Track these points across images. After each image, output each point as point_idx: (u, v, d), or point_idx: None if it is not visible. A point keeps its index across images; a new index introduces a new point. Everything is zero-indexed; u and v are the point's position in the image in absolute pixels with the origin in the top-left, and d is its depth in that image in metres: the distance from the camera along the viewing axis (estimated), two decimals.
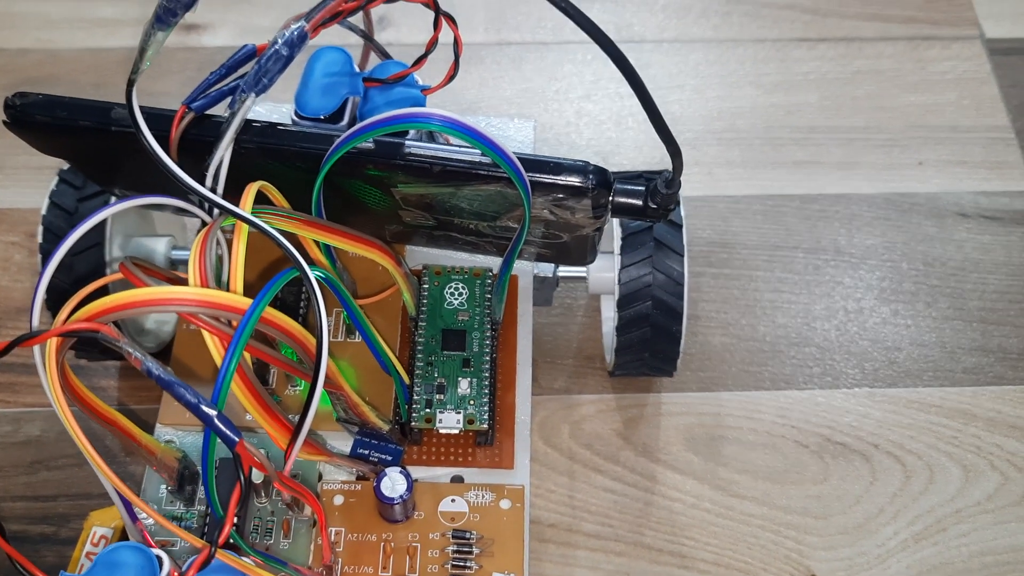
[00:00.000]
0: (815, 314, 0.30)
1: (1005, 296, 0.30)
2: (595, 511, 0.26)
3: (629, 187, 0.22)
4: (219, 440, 0.17)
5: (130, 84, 0.19)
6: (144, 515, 0.20)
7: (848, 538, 0.26)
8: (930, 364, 0.29)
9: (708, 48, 0.36)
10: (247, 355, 0.18)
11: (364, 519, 0.22)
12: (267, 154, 0.20)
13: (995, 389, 0.29)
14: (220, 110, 0.20)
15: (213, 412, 0.17)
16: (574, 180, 0.20)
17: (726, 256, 0.31)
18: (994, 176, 0.33)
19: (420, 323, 0.24)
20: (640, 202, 0.22)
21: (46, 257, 0.25)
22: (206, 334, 0.18)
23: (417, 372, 0.24)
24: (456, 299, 0.25)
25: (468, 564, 0.21)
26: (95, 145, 0.20)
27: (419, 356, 0.24)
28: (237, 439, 0.17)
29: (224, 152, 0.20)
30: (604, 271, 0.27)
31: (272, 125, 0.21)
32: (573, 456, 0.27)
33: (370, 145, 0.20)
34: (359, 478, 0.23)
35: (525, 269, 0.27)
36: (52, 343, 0.17)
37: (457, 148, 0.20)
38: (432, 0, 0.20)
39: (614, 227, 0.26)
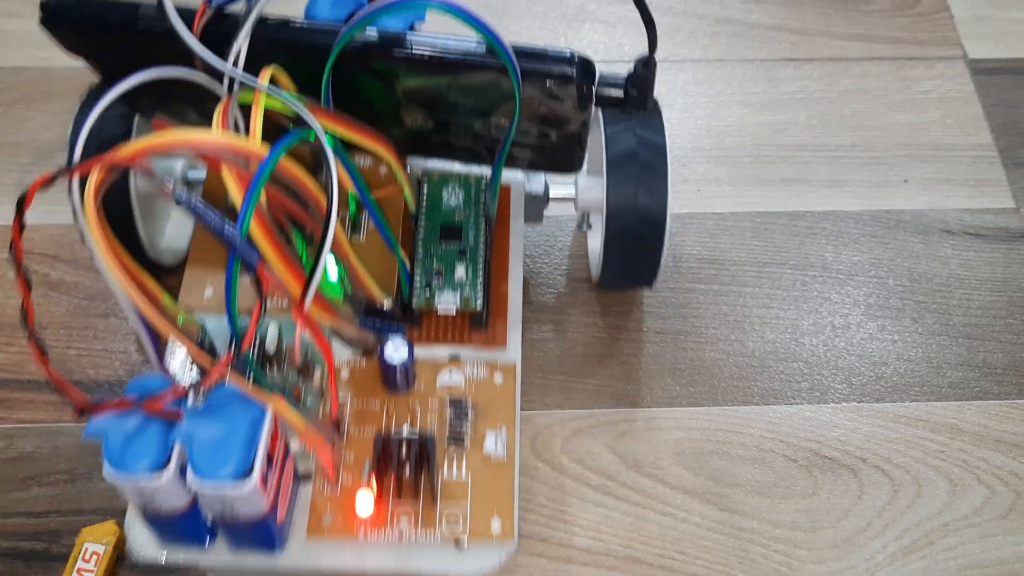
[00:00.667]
0: (803, 330, 0.30)
1: (989, 312, 0.31)
2: (586, 525, 0.26)
3: (611, 77, 0.24)
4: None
5: None
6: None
7: (837, 551, 0.26)
8: (917, 379, 0.29)
9: (697, 68, 0.37)
10: (263, 201, 0.19)
11: (368, 389, 0.24)
12: (280, 47, 0.22)
13: (981, 404, 0.29)
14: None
15: (236, 234, 0.18)
16: (561, 68, 0.22)
17: (715, 272, 0.31)
18: (978, 193, 0.33)
19: (420, 219, 0.26)
20: (621, 91, 0.24)
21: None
22: (228, 177, 0.19)
23: (417, 261, 0.26)
24: (453, 200, 0.27)
25: (464, 428, 0.24)
26: (121, 44, 0.21)
27: (419, 248, 0.26)
28: (258, 260, 0.19)
29: (243, 41, 0.21)
30: (593, 189, 0.28)
31: (286, 21, 0.22)
32: (563, 471, 0.27)
33: (375, 37, 0.22)
34: (364, 353, 0.24)
35: (517, 181, 0.28)
36: (93, 179, 0.18)
37: (454, 38, 0.22)
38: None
39: (603, 148, 0.27)
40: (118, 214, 0.27)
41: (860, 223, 0.33)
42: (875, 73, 0.36)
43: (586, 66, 0.22)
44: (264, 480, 0.20)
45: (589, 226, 0.30)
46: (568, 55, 0.22)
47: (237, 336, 0.20)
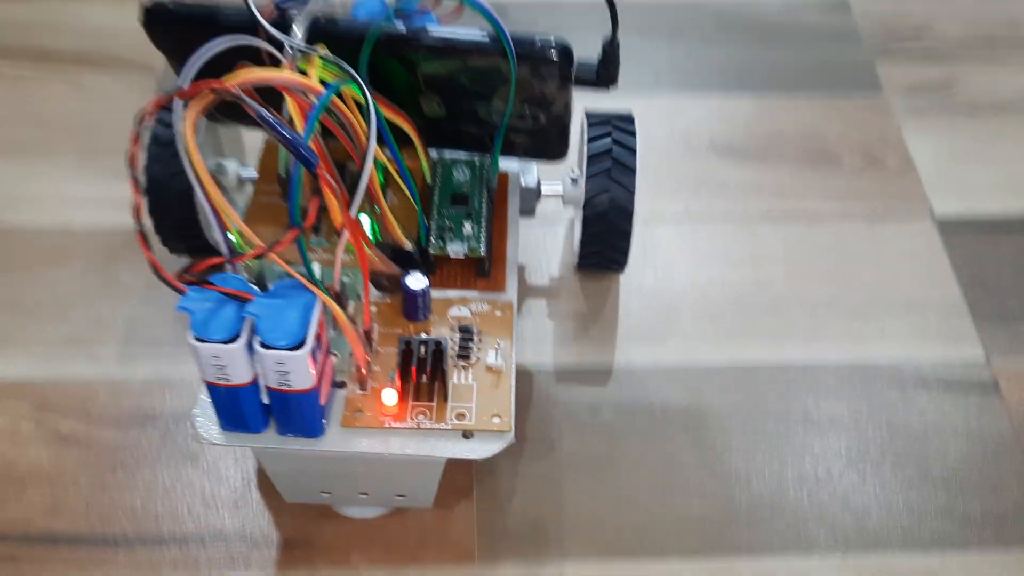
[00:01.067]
0: (788, 481, 0.31)
1: (966, 463, 0.32)
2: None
3: (585, 60, 0.30)
4: None
5: None
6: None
7: None
8: (899, 530, 0.30)
9: (680, 224, 0.39)
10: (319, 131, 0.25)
11: (392, 320, 0.29)
12: (328, 37, 0.27)
13: (961, 555, 0.30)
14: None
15: (302, 140, 0.23)
16: (547, 52, 0.27)
17: (701, 424, 0.33)
18: (951, 346, 0.35)
19: (435, 189, 0.32)
20: (594, 71, 0.30)
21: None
22: (292, 105, 0.24)
23: (432, 220, 0.31)
24: (462, 176, 0.33)
25: (470, 346, 0.29)
26: (203, 41, 0.25)
27: (434, 210, 0.32)
28: (317, 162, 0.23)
29: (303, 26, 0.27)
30: (575, 189, 0.36)
31: (332, 17, 0.28)
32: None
33: (403, 29, 0.28)
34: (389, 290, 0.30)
35: (514, 171, 0.34)
36: (197, 103, 0.23)
37: (463, 30, 0.28)
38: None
39: (583, 152, 0.34)
40: (183, 208, 0.34)
41: (839, 375, 0.34)
42: (848, 230, 0.39)
43: (565, 50, 0.28)
44: (313, 356, 0.24)
45: (574, 181, 0.36)
46: (551, 41, 0.27)
47: (298, 220, 0.24)
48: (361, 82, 0.25)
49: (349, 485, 0.30)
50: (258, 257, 0.24)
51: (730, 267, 0.38)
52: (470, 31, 0.28)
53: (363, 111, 0.25)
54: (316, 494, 0.30)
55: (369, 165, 0.25)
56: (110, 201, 0.39)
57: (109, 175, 0.40)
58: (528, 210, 0.36)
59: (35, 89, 0.43)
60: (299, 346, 0.24)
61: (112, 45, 0.44)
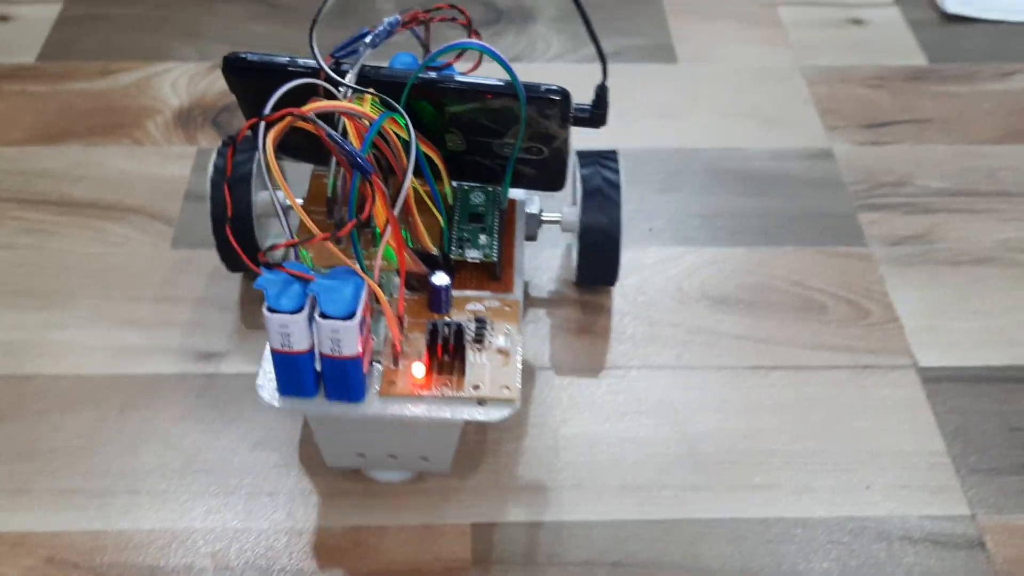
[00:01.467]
0: None
1: None
2: None
3: (581, 104, 0.36)
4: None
5: (312, 24, 0.33)
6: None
7: None
8: None
9: (673, 375, 0.40)
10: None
11: (419, 312, 0.35)
12: (373, 82, 0.33)
13: None
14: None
15: (360, 153, 0.29)
16: (549, 95, 0.33)
17: None
18: (936, 500, 0.36)
19: (455, 208, 0.38)
20: (588, 112, 0.36)
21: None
22: (350, 127, 0.31)
23: (453, 232, 0.37)
24: (478, 199, 0.38)
25: (484, 333, 0.34)
26: (273, 88, 0.30)
27: (454, 225, 0.37)
28: (372, 170, 0.29)
29: (354, 73, 0.33)
30: (572, 216, 0.41)
31: (378, 67, 0.34)
32: None
33: (435, 76, 0.34)
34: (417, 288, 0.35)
35: (521, 200, 0.40)
36: (278, 126, 0.29)
37: (482, 77, 0.34)
38: (468, 22, 0.36)
39: (577, 186, 0.41)
40: (243, 222, 0.40)
41: (828, 530, 0.35)
42: (835, 381, 0.40)
43: (565, 94, 0.34)
44: (360, 328, 0.30)
45: (570, 230, 0.42)
46: (554, 87, 0.33)
47: (354, 214, 0.31)
48: (403, 113, 0.31)
49: (381, 447, 0.35)
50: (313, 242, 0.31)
51: (722, 418, 0.39)
52: (488, 78, 0.34)
53: (403, 141, 0.32)
54: (353, 457, 0.36)
55: (410, 175, 0.31)
56: (123, 349, 0.40)
57: (123, 323, 0.41)
58: (531, 235, 0.42)
59: (57, 237, 0.45)
60: (351, 317, 0.30)
61: (130, 194, 0.47)
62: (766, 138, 0.51)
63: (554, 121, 0.34)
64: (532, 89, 0.33)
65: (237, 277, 0.43)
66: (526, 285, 0.43)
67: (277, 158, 0.31)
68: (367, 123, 0.31)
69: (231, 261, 0.42)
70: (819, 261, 0.45)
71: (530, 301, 0.43)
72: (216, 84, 0.52)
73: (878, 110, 0.52)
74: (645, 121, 0.51)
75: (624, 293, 0.43)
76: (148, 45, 0.55)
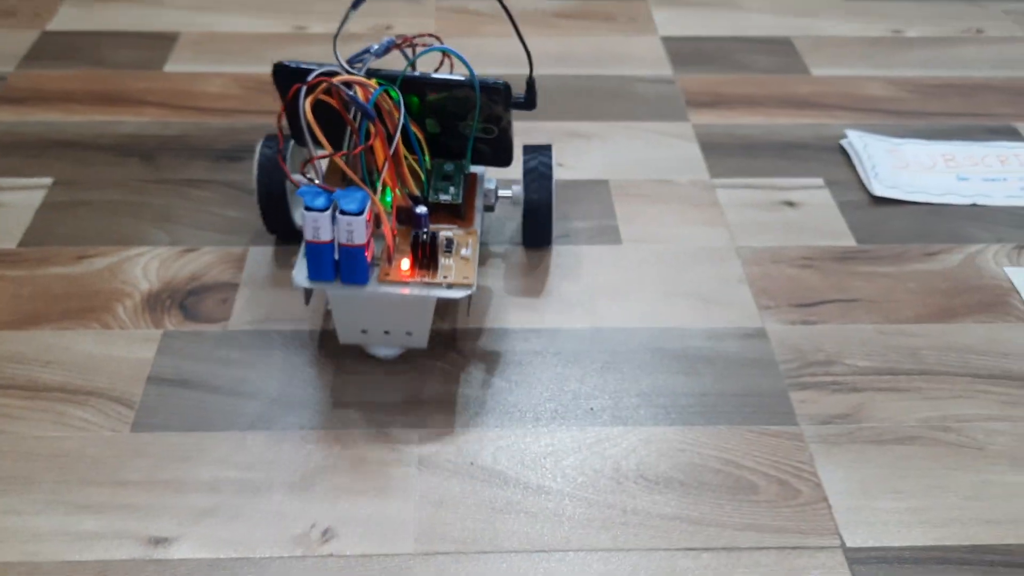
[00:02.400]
0: None
1: None
2: None
3: (517, 93, 0.50)
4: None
5: (335, 37, 0.47)
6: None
7: None
8: None
9: (608, 557, 0.42)
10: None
11: (405, 236, 0.48)
12: (377, 77, 0.47)
13: None
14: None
15: (368, 104, 0.45)
16: (497, 86, 0.48)
17: None
18: None
19: (432, 171, 0.52)
20: (522, 99, 0.51)
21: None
22: (359, 91, 0.45)
23: (430, 185, 0.51)
24: (448, 168, 0.52)
25: (451, 245, 0.48)
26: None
27: (431, 181, 0.51)
28: (375, 116, 0.45)
29: (364, 69, 0.47)
30: (518, 191, 0.56)
31: (378, 69, 0.48)
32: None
33: (417, 74, 0.48)
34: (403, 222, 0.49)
35: (481, 176, 0.54)
36: (314, 91, 0.45)
37: (450, 74, 0.49)
38: (441, 41, 0.50)
39: (521, 167, 0.56)
40: (276, 198, 0.55)
41: None
42: (764, 563, 0.41)
43: (507, 85, 0.48)
44: (365, 225, 0.44)
45: (517, 203, 0.57)
46: (500, 81, 0.48)
47: (364, 140, 0.45)
48: (395, 88, 0.46)
49: (378, 323, 0.48)
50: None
51: None
52: (455, 75, 0.49)
53: (394, 118, 0.47)
54: (358, 333, 0.49)
55: (400, 125, 0.46)
56: (77, 536, 0.41)
57: (78, 508, 0.43)
58: (489, 207, 0.55)
59: (20, 422, 0.47)
60: (360, 213, 0.44)
61: (95, 378, 0.49)
62: (703, 318, 0.53)
63: (500, 105, 0.49)
64: (484, 81, 0.48)
65: (190, 460, 0.45)
66: (486, 245, 0.59)
67: (300, 147, 0.51)
68: (371, 90, 0.46)
69: (274, 225, 0.57)
70: (752, 440, 0.47)
71: (489, 253, 0.58)
72: (185, 268, 0.56)
73: (808, 290, 0.55)
74: (590, 302, 0.54)
75: (564, 472, 0.45)
76: (124, 230, 0.58)
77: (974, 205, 0.62)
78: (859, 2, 0.87)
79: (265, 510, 0.43)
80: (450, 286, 0.46)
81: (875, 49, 0.80)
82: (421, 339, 0.49)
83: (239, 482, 0.44)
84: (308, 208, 0.43)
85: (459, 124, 0.51)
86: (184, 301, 0.54)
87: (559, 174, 0.64)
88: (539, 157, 0.55)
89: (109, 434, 0.46)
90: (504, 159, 0.53)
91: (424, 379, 0.50)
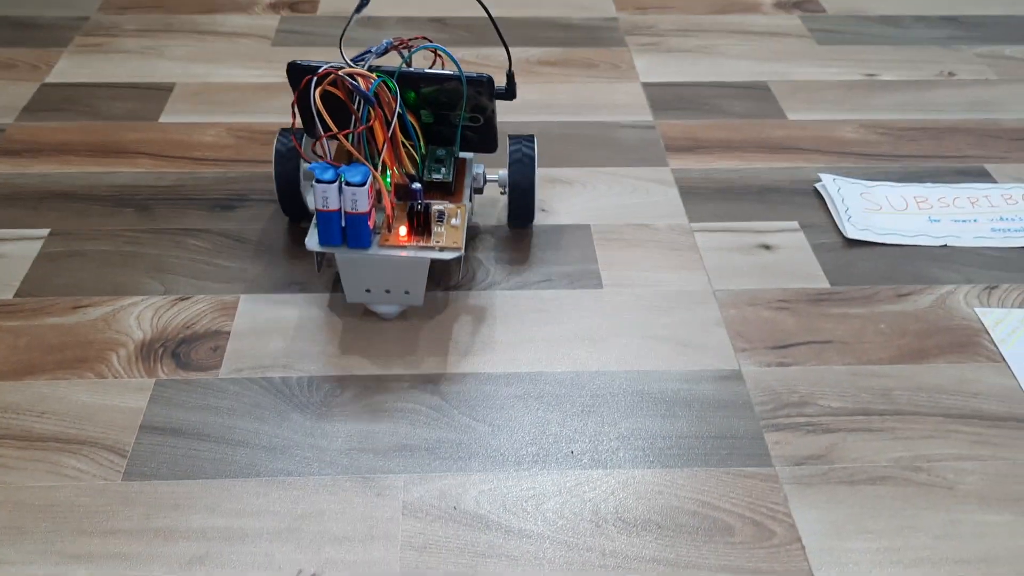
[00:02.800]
0: None
1: None
2: None
3: (499, 85, 0.57)
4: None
5: (341, 35, 0.54)
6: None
7: None
8: None
9: None
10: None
11: (402, 208, 0.56)
12: (377, 71, 0.55)
13: None
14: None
15: (368, 92, 0.52)
16: (480, 79, 0.55)
17: None
18: None
19: (426, 155, 0.59)
20: (503, 90, 0.58)
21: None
22: (361, 81, 0.52)
23: (425, 165, 0.58)
24: (440, 153, 0.59)
25: (443, 216, 0.55)
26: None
27: (426, 162, 0.58)
28: (375, 102, 0.52)
29: (366, 65, 0.54)
30: (504, 175, 0.63)
31: (378, 65, 0.55)
32: None
33: (412, 70, 0.55)
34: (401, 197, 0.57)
35: (470, 161, 0.62)
36: (323, 82, 0.52)
37: (440, 70, 0.56)
38: (435, 51, 0.58)
39: (507, 153, 0.62)
40: (291, 184, 0.62)
41: None
42: None
43: (490, 78, 0.55)
44: (367, 195, 0.51)
45: (503, 185, 0.64)
46: (484, 75, 0.55)
47: (365, 120, 0.53)
48: (392, 80, 0.53)
49: (380, 283, 0.55)
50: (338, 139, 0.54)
51: None
52: (444, 71, 0.56)
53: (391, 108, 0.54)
54: (362, 292, 0.55)
55: (396, 113, 0.53)
56: None
57: (70, 558, 0.44)
58: (478, 189, 0.62)
59: (14, 472, 0.48)
60: (363, 184, 0.51)
61: (88, 427, 0.50)
62: (681, 360, 0.55)
63: (484, 96, 0.56)
64: (470, 76, 0.55)
65: (180, 508, 0.46)
66: (476, 227, 0.67)
67: (311, 138, 0.60)
68: (371, 80, 0.53)
69: (289, 208, 0.64)
70: (727, 482, 0.48)
71: (477, 230, 0.66)
72: (178, 317, 0.57)
73: (783, 332, 0.57)
74: (570, 345, 0.56)
75: (545, 515, 0.46)
76: (118, 280, 0.60)
77: (945, 246, 0.64)
78: (836, 46, 0.90)
79: (253, 557, 0.44)
80: (442, 249, 0.53)
81: (850, 93, 0.82)
82: (417, 298, 0.56)
83: (228, 529, 0.45)
84: (318, 180, 0.51)
85: (450, 114, 0.58)
86: (177, 350, 0.55)
87: (542, 219, 0.66)
88: (522, 146, 0.61)
89: (101, 483, 0.47)
90: (490, 145, 0.60)
91: (408, 424, 0.51)
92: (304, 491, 0.47)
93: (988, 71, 0.86)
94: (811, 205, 0.68)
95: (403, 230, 0.54)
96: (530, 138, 0.62)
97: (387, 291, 0.55)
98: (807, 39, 0.91)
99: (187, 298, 0.59)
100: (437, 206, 0.55)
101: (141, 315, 0.58)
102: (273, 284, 0.60)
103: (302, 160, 0.61)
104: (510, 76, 0.58)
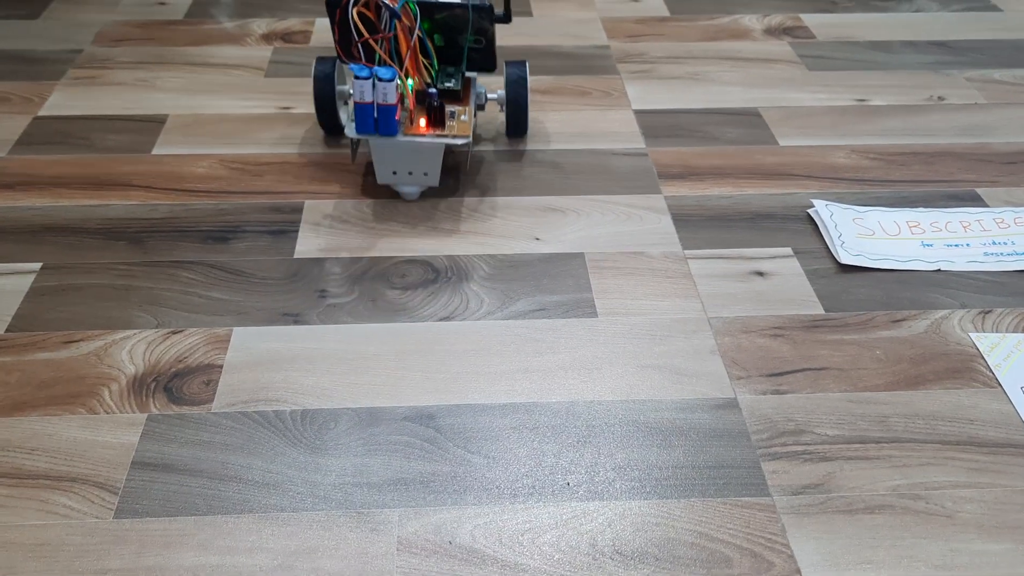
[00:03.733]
0: None
1: None
2: None
3: (498, 11, 0.70)
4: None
5: None
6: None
7: None
8: None
9: None
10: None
11: (421, 109, 0.70)
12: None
13: None
14: None
15: (396, 8, 0.65)
16: (483, 5, 0.68)
17: None
18: None
19: (439, 73, 0.72)
20: (501, 15, 0.70)
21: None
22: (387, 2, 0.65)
23: (438, 77, 0.71)
24: (450, 71, 0.73)
25: (454, 113, 0.71)
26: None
27: (439, 76, 0.72)
28: (400, 17, 0.65)
29: None
30: (502, 93, 0.76)
31: None
32: None
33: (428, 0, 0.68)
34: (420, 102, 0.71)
35: (475, 81, 0.75)
36: (356, 6, 0.65)
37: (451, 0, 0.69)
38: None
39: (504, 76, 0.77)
40: (328, 101, 0.76)
41: None
42: None
43: (490, 5, 0.68)
44: (395, 89, 0.65)
45: (503, 108, 0.77)
46: (486, 3, 0.68)
47: (393, 28, 0.65)
48: (414, 3, 0.65)
49: (404, 165, 0.69)
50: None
51: None
52: (454, 0, 0.68)
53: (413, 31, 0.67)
54: (390, 174, 0.69)
55: (416, 29, 0.65)
56: None
57: None
58: (480, 106, 0.75)
59: (4, 511, 0.47)
60: (392, 80, 0.64)
61: (79, 464, 0.50)
62: (677, 390, 0.55)
63: (485, 20, 0.69)
64: (474, 3, 0.67)
65: (172, 547, 0.45)
66: (479, 136, 0.81)
67: (344, 66, 0.76)
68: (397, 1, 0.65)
69: (324, 121, 0.78)
70: (724, 512, 0.48)
71: (479, 140, 0.79)
72: (171, 351, 0.57)
73: (779, 359, 0.57)
74: (566, 375, 0.56)
75: (541, 549, 0.46)
76: (110, 314, 0.60)
77: (938, 271, 0.64)
78: (827, 72, 0.90)
79: None
80: (454, 137, 0.67)
81: (842, 119, 0.83)
82: (434, 179, 0.70)
83: (220, 567, 0.45)
84: (357, 77, 0.63)
85: (458, 37, 0.70)
86: (169, 384, 0.55)
87: (536, 248, 0.66)
88: (517, 69, 0.75)
89: (93, 521, 0.47)
90: (490, 64, 0.73)
91: (403, 457, 0.51)
92: (298, 527, 0.47)
93: (978, 95, 0.87)
94: (804, 231, 0.68)
95: (423, 121, 0.68)
96: (522, 63, 0.75)
97: (410, 173, 0.69)
98: (798, 65, 0.92)
99: (180, 331, 0.59)
100: (449, 107, 0.70)
101: (133, 349, 0.57)
102: (266, 316, 0.60)
103: (336, 83, 0.76)
104: (507, 2, 0.71)
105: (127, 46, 0.95)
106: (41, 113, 0.82)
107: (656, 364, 0.57)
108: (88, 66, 0.90)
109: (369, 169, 0.75)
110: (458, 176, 0.74)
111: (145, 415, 0.53)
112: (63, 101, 0.84)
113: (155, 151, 0.77)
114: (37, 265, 0.64)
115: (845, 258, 0.65)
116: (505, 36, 0.97)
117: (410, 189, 0.71)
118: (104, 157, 0.76)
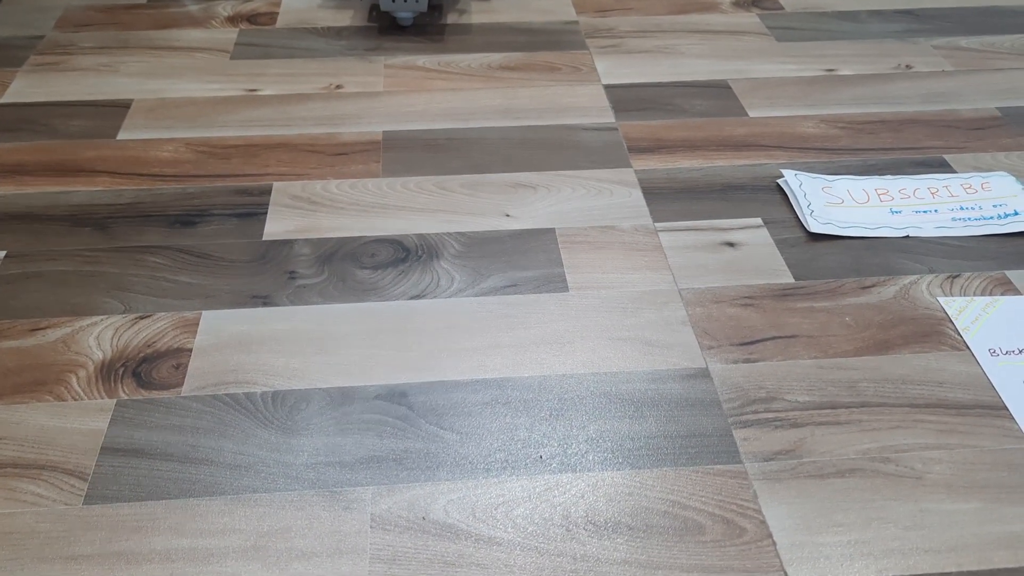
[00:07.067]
0: None
1: None
2: None
3: None
4: None
5: None
6: None
7: None
8: None
9: None
10: None
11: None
12: None
13: None
14: None
15: None
16: None
17: None
18: None
19: None
20: None
21: None
22: None
23: None
24: None
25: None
26: None
27: None
28: None
29: None
30: None
31: None
32: None
33: None
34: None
35: None
36: None
37: None
38: None
39: None
40: None
41: None
42: None
43: None
44: None
45: None
46: None
47: None
48: None
49: None
50: None
51: None
52: None
53: None
54: (390, 2, 0.90)
55: None
56: None
57: None
58: None
59: None
60: None
61: (48, 451, 0.49)
62: (648, 361, 0.55)
63: None
64: None
65: (143, 531, 0.45)
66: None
67: None
68: None
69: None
70: (697, 481, 0.48)
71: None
72: (139, 336, 0.56)
73: (749, 328, 0.57)
74: (538, 350, 0.56)
75: (515, 522, 0.46)
76: (77, 300, 0.59)
77: (907, 237, 0.65)
78: (795, 43, 0.90)
79: None
80: None
81: (810, 89, 0.83)
82: (423, 3, 0.87)
83: (192, 550, 0.45)
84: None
85: None
86: (138, 369, 0.54)
87: (507, 224, 0.65)
88: None
89: (62, 508, 0.46)
90: None
91: (375, 435, 0.50)
92: (270, 508, 0.47)
93: (945, 63, 0.87)
94: (774, 201, 0.68)
95: None
96: None
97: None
98: (766, 36, 0.92)
99: (148, 316, 0.58)
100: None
101: (101, 335, 0.57)
102: (235, 299, 0.59)
103: None
104: None
105: (89, 31, 0.93)
106: (2, 101, 0.81)
107: (627, 336, 0.57)
108: (50, 52, 0.89)
109: (339, 149, 0.74)
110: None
111: (114, 401, 0.52)
112: (24, 88, 0.83)
113: (120, 136, 0.76)
114: (1, 254, 0.63)
115: (814, 227, 0.65)
116: (475, 13, 0.96)
117: (405, 15, 0.89)
118: (68, 143, 0.75)
